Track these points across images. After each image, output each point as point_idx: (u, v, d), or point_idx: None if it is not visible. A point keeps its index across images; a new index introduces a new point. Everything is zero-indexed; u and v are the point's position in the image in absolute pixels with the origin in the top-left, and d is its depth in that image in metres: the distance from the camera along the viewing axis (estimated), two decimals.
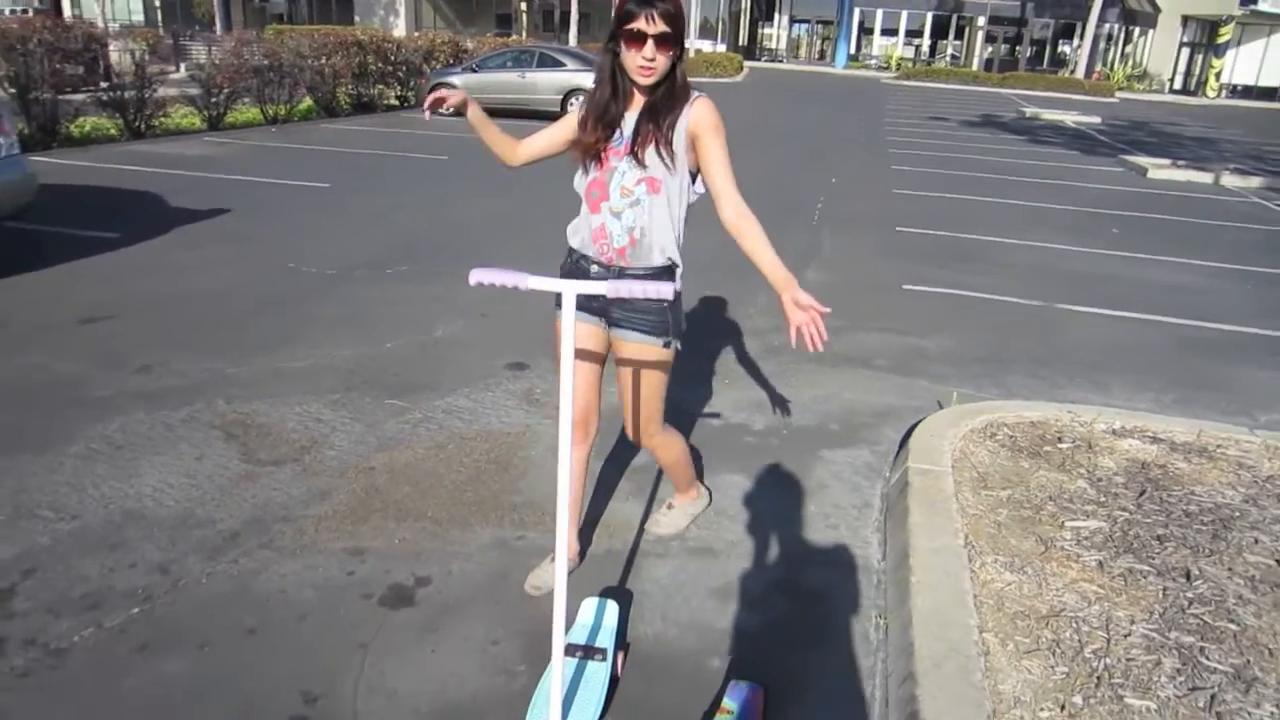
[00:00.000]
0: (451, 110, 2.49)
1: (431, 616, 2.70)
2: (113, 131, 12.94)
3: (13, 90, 11.67)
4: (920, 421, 4.18)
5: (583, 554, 3.05)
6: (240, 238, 7.43)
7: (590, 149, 2.45)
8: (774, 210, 9.84)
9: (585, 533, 3.20)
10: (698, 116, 2.40)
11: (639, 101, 2.42)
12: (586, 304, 2.58)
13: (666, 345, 2.60)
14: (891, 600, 2.84)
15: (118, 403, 4.08)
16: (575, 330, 2.49)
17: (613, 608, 2.55)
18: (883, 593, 2.95)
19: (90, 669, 2.40)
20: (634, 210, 2.42)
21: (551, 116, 17.47)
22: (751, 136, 16.24)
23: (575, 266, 2.58)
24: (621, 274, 2.47)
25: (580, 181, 2.53)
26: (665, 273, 2.51)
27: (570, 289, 1.90)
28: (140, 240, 7.17)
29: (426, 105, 2.47)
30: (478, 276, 1.86)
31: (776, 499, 3.56)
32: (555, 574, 2.05)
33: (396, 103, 19.47)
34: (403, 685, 2.40)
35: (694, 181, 2.53)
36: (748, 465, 3.84)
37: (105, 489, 3.32)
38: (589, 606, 2.55)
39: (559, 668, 2.06)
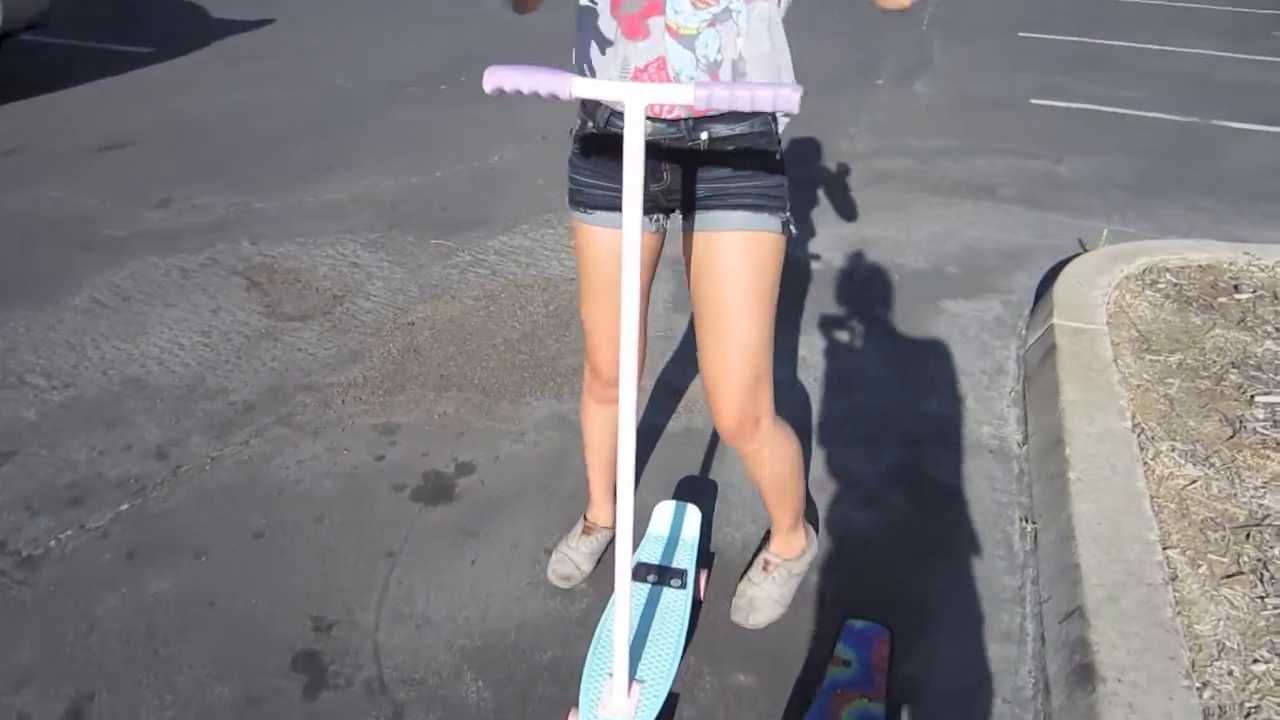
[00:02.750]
0: None
1: (473, 515, 2.23)
2: None
3: None
4: (1063, 266, 3.46)
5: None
6: (284, 51, 6.76)
7: None
8: (873, 11, 8.70)
9: (663, 403, 2.67)
10: None
11: None
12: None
13: (785, 227, 1.54)
14: (1042, 500, 2.26)
15: (131, 244, 3.61)
16: (603, 236, 1.60)
17: (693, 515, 2.03)
18: (1027, 487, 2.37)
19: (64, 585, 2.00)
20: (719, 30, 1.36)
21: None
22: None
23: (604, 133, 1.52)
24: (695, 127, 1.45)
25: None
26: (765, 129, 1.51)
27: (637, 96, 1.19)
28: (173, 55, 6.56)
29: None
30: (496, 79, 1.19)
31: (888, 363, 2.95)
32: (618, 526, 1.49)
33: None
34: (435, 609, 1.96)
35: None
36: (852, 320, 3.21)
37: (107, 350, 2.89)
38: (664, 512, 2.04)
39: (624, 621, 1.56)
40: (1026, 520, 2.25)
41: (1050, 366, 2.74)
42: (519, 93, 1.19)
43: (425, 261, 3.51)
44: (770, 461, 1.73)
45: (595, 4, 1.41)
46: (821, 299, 3.35)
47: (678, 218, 1.60)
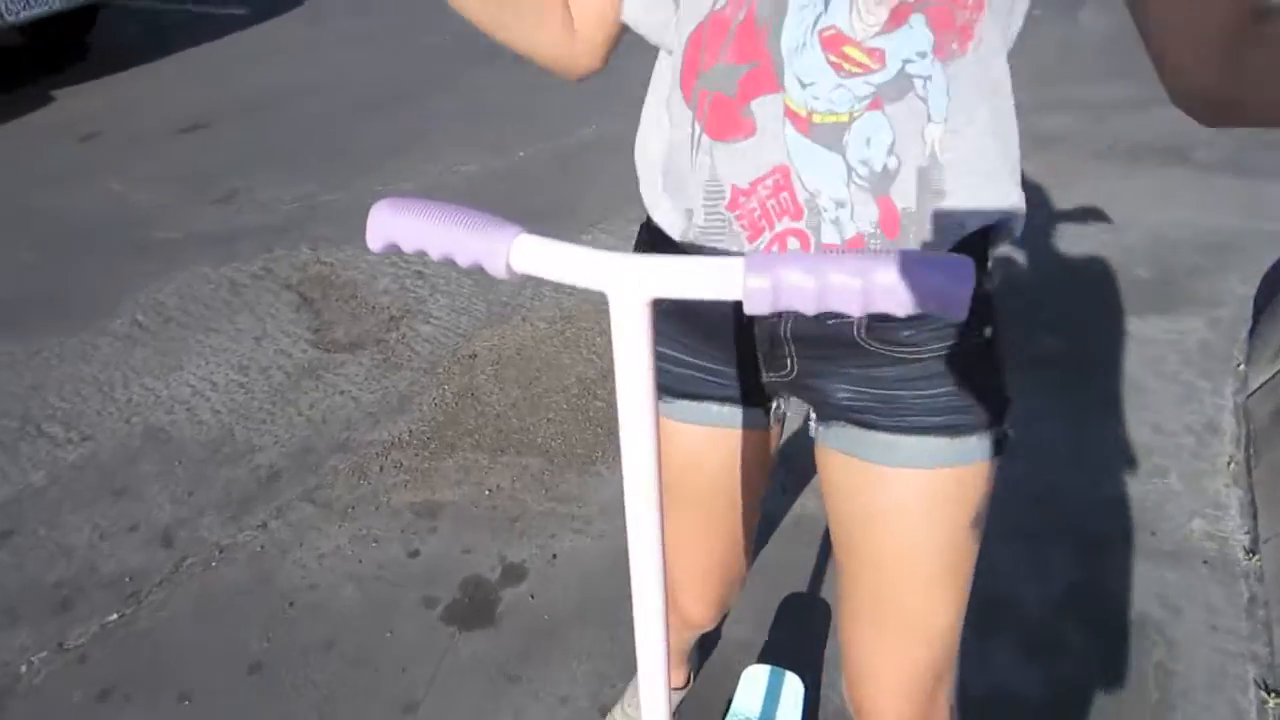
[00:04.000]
0: None
1: (516, 648, 1.78)
2: None
3: None
4: None
5: (697, 671, 1.71)
6: (377, 5, 6.35)
7: None
8: None
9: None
10: None
11: None
12: (741, 369, 0.95)
13: (999, 445, 0.90)
14: None
15: (184, 250, 3.28)
16: (688, 436, 1.01)
17: (793, 688, 1.51)
18: (1264, 627, 1.73)
19: None
20: (890, 114, 0.74)
21: None
22: None
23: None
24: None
25: (661, 26, 0.83)
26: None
27: (631, 287, 0.60)
28: (267, 16, 6.25)
29: None
30: (384, 230, 0.64)
31: (1056, 416, 2.30)
32: None
33: None
34: None
35: None
36: (1006, 341, 2.56)
37: (135, 390, 2.56)
38: (754, 684, 1.52)
39: None
40: (1266, 690, 1.63)
41: None
42: (424, 255, 0.67)
43: None
44: None
45: (671, 63, 0.83)
46: None
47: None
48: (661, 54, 0.87)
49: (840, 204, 0.77)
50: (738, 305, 0.88)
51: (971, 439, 0.87)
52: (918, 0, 0.71)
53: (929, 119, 0.74)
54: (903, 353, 0.85)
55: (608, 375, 2.51)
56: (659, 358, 0.97)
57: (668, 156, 0.85)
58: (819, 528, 2.00)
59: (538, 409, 2.41)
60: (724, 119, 0.78)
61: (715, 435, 1.00)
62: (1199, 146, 3.71)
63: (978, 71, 0.74)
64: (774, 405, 1.01)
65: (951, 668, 1.00)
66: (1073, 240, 3.08)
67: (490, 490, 2.15)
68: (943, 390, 0.85)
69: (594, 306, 2.83)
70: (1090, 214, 3.26)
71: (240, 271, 3.13)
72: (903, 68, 0.72)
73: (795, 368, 0.90)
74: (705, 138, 0.80)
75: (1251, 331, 2.58)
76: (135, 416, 2.46)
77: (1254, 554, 1.89)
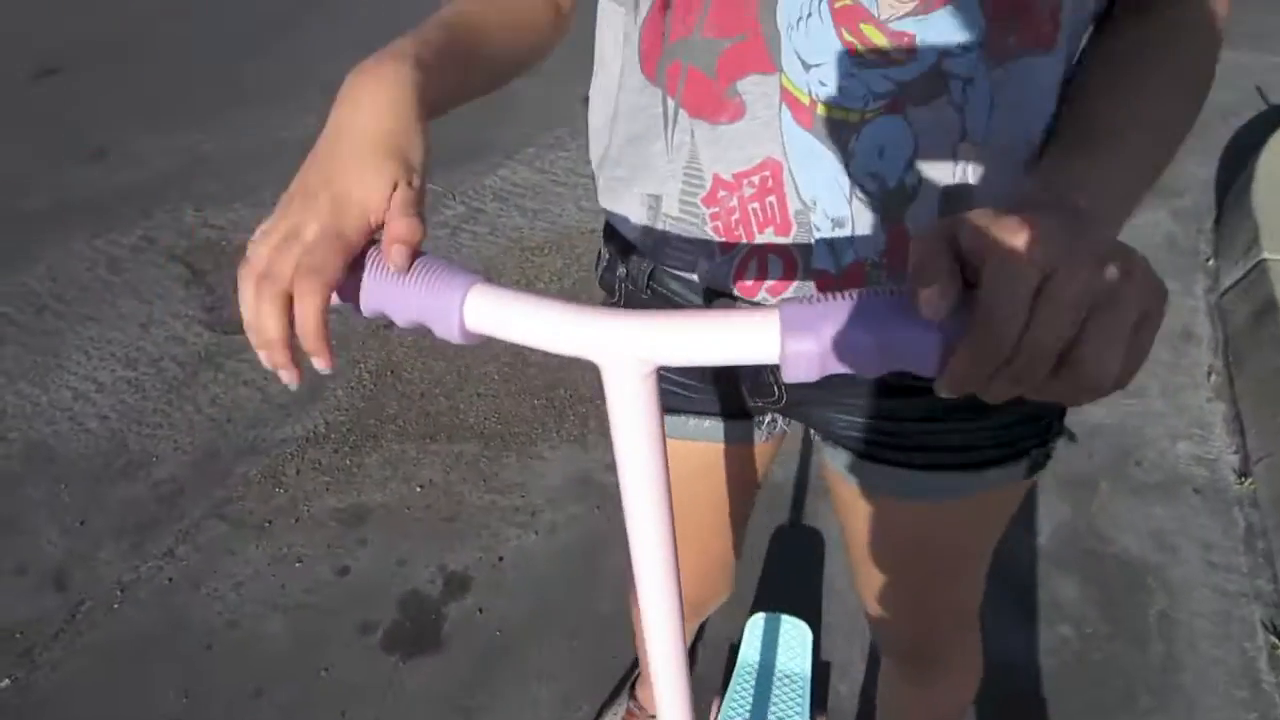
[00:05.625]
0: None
1: (467, 674, 1.60)
2: None
3: None
4: (1253, 140, 2.53)
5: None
6: None
7: None
8: None
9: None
10: None
11: None
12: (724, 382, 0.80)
13: (1032, 469, 0.77)
14: None
15: (55, 221, 2.91)
16: (685, 453, 0.84)
17: (800, 632, 1.35)
18: (1265, 560, 1.63)
19: None
20: (912, 120, 0.56)
21: None
22: None
23: (647, 298, 0.76)
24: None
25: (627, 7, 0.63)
26: None
27: (622, 349, 0.46)
28: None
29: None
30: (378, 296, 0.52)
31: None
32: None
33: None
34: None
35: None
36: None
37: (8, 398, 2.26)
38: (760, 630, 1.36)
39: None
40: (1276, 633, 1.53)
41: (1270, 336, 1.92)
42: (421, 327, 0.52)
43: None
44: (938, 700, 1.10)
45: (625, 29, 0.64)
46: None
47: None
48: (605, 7, 0.67)
49: (838, 223, 0.61)
50: None
51: (991, 471, 0.75)
52: None
53: (963, 136, 0.56)
54: (907, 382, 0.66)
55: None
56: None
57: (629, 139, 0.66)
58: (791, 458, 1.84)
59: (467, 383, 2.18)
60: (704, 98, 0.60)
61: (688, 448, 0.85)
62: None
63: (1042, 77, 0.56)
64: (766, 419, 0.86)
65: (974, 603, 0.97)
66: None
67: (422, 486, 1.94)
68: (960, 426, 0.71)
69: (520, 250, 2.57)
70: None
71: (118, 245, 2.79)
72: (938, 63, 0.54)
73: (783, 394, 0.75)
74: (684, 114, 0.62)
75: (1218, 220, 2.43)
76: (12, 432, 2.17)
77: (1245, 477, 1.77)
